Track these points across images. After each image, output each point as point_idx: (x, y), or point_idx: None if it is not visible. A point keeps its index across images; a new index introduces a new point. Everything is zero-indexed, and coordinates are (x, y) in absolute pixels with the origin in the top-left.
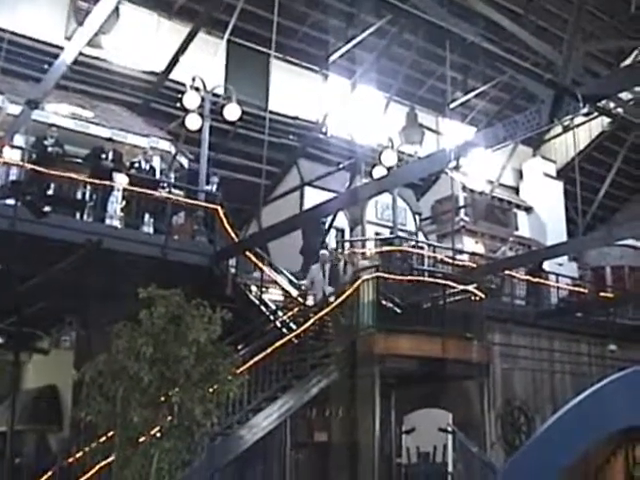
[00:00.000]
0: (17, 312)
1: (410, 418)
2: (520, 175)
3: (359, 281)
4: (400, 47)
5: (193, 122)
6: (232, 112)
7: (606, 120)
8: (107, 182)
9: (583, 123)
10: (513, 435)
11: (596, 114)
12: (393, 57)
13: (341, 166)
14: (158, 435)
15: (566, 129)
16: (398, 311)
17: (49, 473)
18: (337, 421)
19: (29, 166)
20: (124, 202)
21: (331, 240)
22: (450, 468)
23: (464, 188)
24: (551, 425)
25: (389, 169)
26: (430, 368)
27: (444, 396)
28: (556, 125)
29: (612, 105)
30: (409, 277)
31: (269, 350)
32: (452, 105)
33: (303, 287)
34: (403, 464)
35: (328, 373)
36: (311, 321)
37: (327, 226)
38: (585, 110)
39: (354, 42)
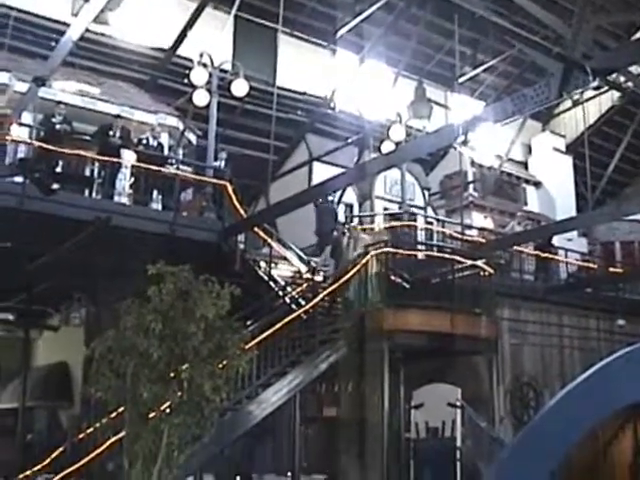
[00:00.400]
0: (27, 290)
1: (419, 393)
2: (529, 150)
3: (368, 256)
4: (408, 21)
5: (201, 98)
6: (240, 88)
7: (616, 94)
8: (115, 159)
9: (593, 97)
10: (522, 410)
11: (606, 88)
12: (401, 31)
13: (349, 141)
14: (168, 411)
15: (575, 103)
16: (407, 286)
17: (60, 449)
18: (346, 396)
19: (37, 144)
20: (132, 179)
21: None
22: (459, 443)
23: (473, 163)
24: (559, 401)
25: (397, 144)
26: (439, 343)
27: (453, 371)
28: (565, 99)
29: (622, 79)
30: (418, 252)
31: (278, 326)
32: (461, 79)
33: (314, 264)
34: (412, 439)
35: (337, 349)
36: (320, 297)
37: (336, 204)
38: (595, 84)
39: (362, 17)
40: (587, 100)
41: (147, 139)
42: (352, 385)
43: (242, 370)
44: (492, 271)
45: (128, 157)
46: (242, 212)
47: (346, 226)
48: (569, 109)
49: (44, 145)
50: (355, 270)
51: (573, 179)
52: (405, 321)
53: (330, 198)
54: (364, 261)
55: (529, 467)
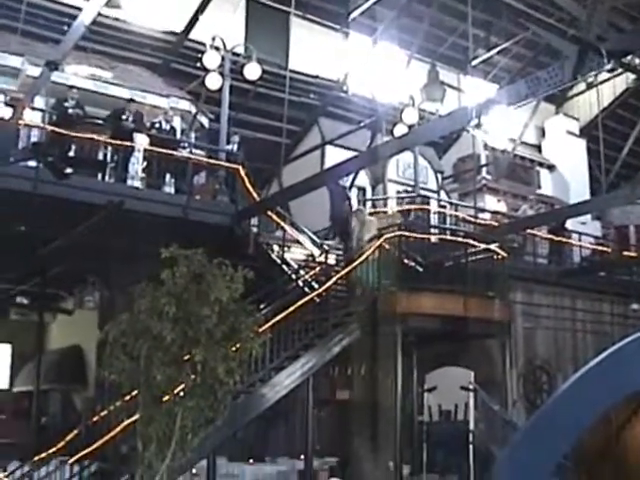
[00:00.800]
0: (41, 274)
1: (432, 376)
2: (542, 133)
3: (381, 239)
4: (421, 3)
5: (213, 81)
6: (252, 71)
7: (631, 76)
8: (128, 143)
9: (607, 80)
10: (534, 394)
11: (620, 70)
12: (414, 14)
13: (362, 124)
14: (181, 394)
15: (590, 86)
16: (420, 270)
17: (75, 432)
18: (359, 379)
19: (50, 128)
20: (145, 163)
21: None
22: (472, 426)
23: (486, 146)
24: (572, 384)
25: (410, 127)
26: (452, 327)
27: (466, 355)
28: (579, 82)
29: (637, 61)
30: (431, 236)
31: (291, 309)
32: (474, 62)
33: (327, 247)
34: (424, 422)
35: (350, 332)
36: (333, 280)
37: (349, 186)
38: (609, 66)
39: None
40: (601, 83)
41: (160, 123)
42: (365, 368)
43: (255, 353)
44: (505, 254)
45: (141, 141)
46: (255, 195)
47: (354, 210)
48: (583, 92)
49: (57, 129)
50: (368, 253)
51: (587, 162)
52: (418, 304)
53: (343, 181)
54: (377, 244)
55: (541, 450)
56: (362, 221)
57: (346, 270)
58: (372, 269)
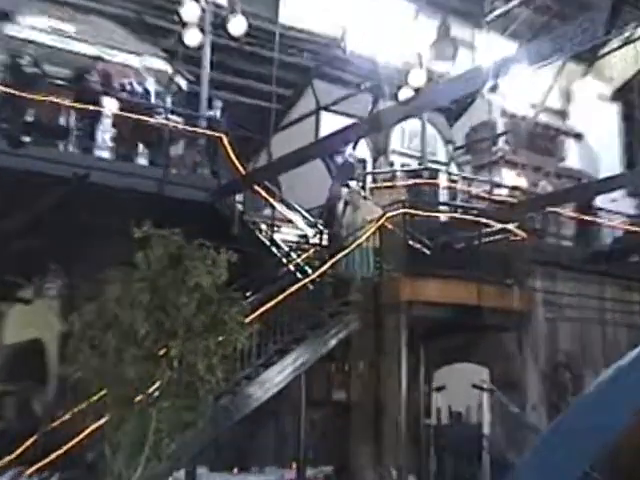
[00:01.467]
0: None
1: (440, 374)
2: (569, 97)
3: (383, 219)
4: None
5: (192, 37)
6: (237, 26)
7: None
8: (94, 107)
9: None
10: (558, 394)
11: None
12: None
13: (362, 88)
14: (156, 393)
15: (625, 42)
16: (427, 252)
17: (33, 438)
18: (358, 377)
19: (3, 89)
20: (114, 130)
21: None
22: (486, 430)
23: (503, 113)
24: (600, 384)
25: (417, 91)
26: (463, 317)
27: (479, 350)
28: (613, 38)
29: None
30: (440, 214)
31: (281, 297)
32: (490, 16)
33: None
34: (432, 425)
35: (347, 323)
36: (328, 264)
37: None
38: None
39: None
40: (639, 39)
41: (131, 85)
42: (365, 365)
43: (241, 347)
44: (524, 236)
45: (109, 105)
46: (240, 168)
47: (347, 191)
48: (617, 49)
49: (10, 91)
50: (368, 234)
51: (620, 130)
52: (425, 292)
53: (349, 153)
54: (379, 224)
55: (565, 458)
56: (355, 204)
57: (343, 253)
58: (370, 253)
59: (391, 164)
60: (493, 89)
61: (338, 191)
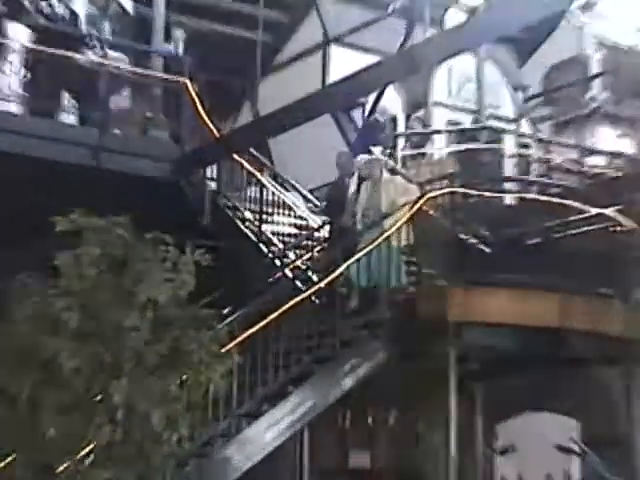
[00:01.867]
0: None
1: (507, 428)
2: None
3: (420, 201)
4: None
5: None
6: None
7: None
8: None
9: None
10: None
11: None
12: None
13: (390, 10)
14: (90, 459)
15: None
16: (487, 251)
17: None
18: (386, 434)
19: None
20: (27, 72)
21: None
22: None
23: (600, 44)
24: None
25: (472, 12)
26: (541, 345)
27: (565, 393)
28: None
29: None
30: (505, 195)
31: (274, 316)
32: None
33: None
34: None
35: (370, 354)
36: (342, 268)
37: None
38: None
39: None
40: None
41: (50, 5)
42: (396, 415)
43: (214, 389)
44: (633, 225)
45: (18, 35)
46: (213, 129)
47: (365, 160)
48: None
49: None
50: (399, 224)
51: None
52: (484, 308)
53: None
54: (414, 210)
55: None
56: (375, 180)
57: (361, 254)
58: (400, 251)
59: (432, 122)
60: (584, 8)
61: (349, 162)
